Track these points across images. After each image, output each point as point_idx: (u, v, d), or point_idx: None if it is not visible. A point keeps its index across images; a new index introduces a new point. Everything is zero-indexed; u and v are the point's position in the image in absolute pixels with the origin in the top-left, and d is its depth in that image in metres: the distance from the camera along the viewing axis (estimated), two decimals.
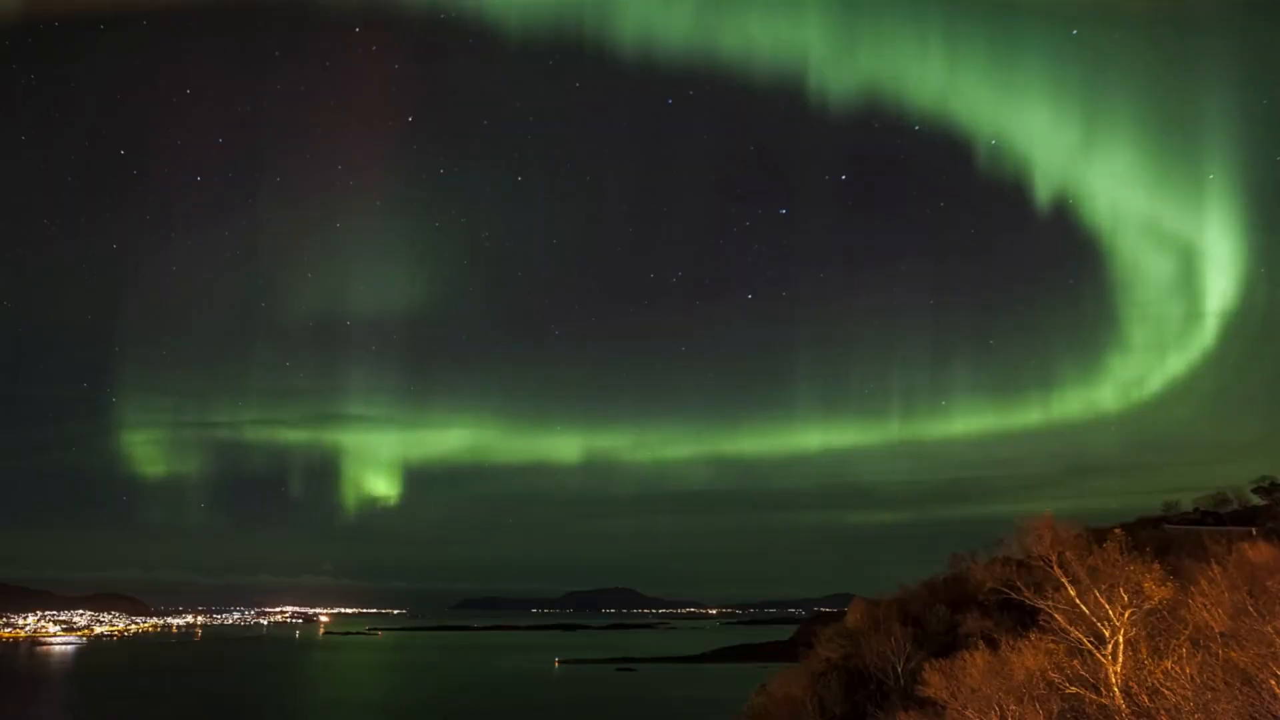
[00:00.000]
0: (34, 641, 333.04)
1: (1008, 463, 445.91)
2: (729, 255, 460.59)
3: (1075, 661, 26.24)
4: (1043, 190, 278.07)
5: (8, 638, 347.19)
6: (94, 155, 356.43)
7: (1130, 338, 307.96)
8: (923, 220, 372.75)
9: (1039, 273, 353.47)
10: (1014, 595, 29.73)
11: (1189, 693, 21.72)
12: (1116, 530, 29.65)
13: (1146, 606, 25.59)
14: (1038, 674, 26.31)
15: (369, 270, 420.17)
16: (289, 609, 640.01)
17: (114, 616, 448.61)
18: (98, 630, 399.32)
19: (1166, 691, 22.46)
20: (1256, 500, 77.34)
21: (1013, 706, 25.66)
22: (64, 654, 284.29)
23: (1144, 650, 24.75)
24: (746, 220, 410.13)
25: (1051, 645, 27.28)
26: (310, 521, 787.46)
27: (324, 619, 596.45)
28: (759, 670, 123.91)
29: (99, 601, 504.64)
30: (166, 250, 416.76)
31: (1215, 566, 26.85)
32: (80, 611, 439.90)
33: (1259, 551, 26.91)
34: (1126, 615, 25.62)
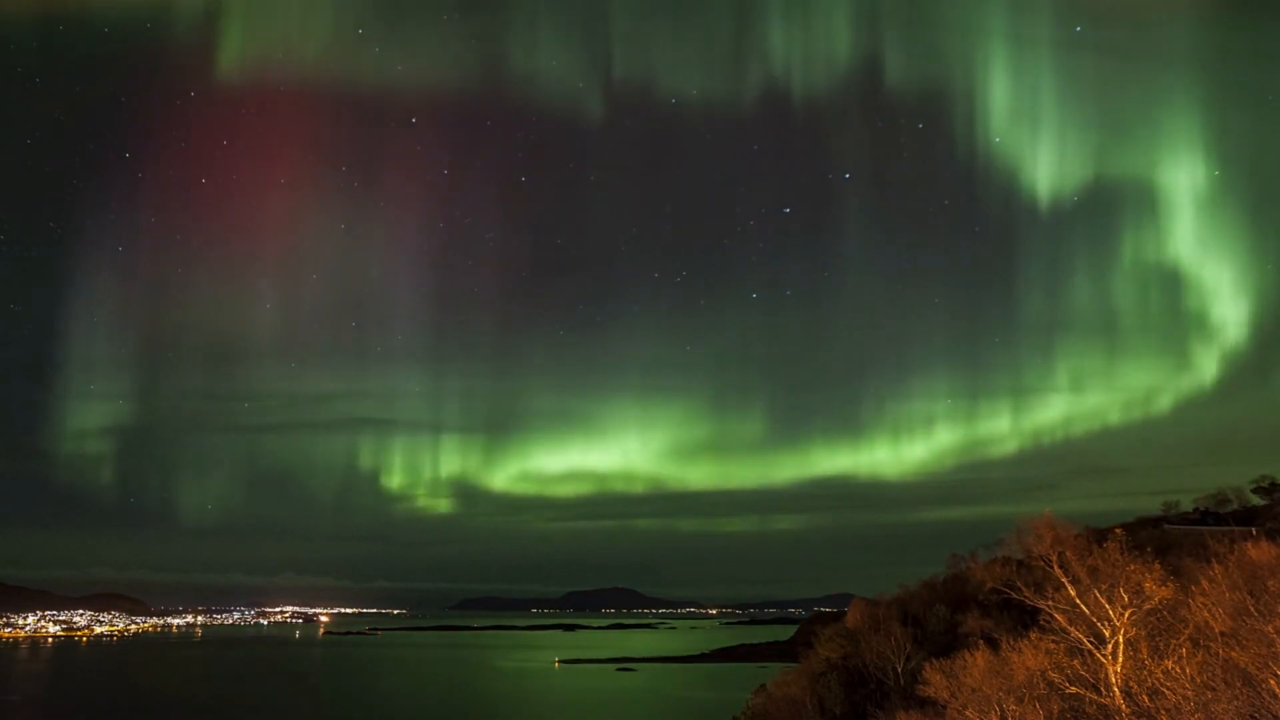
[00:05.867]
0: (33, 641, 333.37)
1: (1008, 463, 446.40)
2: (732, 255, 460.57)
3: (1075, 661, 26.20)
4: (1049, 190, 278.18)
5: (7, 637, 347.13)
6: (98, 158, 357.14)
7: (1132, 339, 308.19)
8: (927, 218, 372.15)
9: (1044, 272, 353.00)
10: (1014, 595, 29.69)
11: (1189, 693, 21.69)
12: (1117, 530, 29.63)
13: (1147, 606, 25.52)
14: (1038, 674, 26.27)
15: (373, 272, 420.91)
16: (289, 609, 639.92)
17: (114, 616, 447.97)
18: (98, 630, 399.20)
19: (1166, 691, 22.43)
20: (1256, 500, 77.24)
21: (1013, 706, 25.64)
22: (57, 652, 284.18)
23: (1144, 650, 24.72)
24: (750, 219, 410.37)
25: (1051, 645, 27.22)
26: (310, 522, 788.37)
27: (324, 619, 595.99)
28: (759, 670, 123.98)
29: (99, 601, 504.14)
30: (171, 253, 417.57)
31: (1215, 566, 26.79)
32: (80, 611, 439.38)
33: (1260, 551, 26.83)
34: (1127, 615, 25.59)
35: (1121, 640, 25.47)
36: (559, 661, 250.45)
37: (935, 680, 29.78)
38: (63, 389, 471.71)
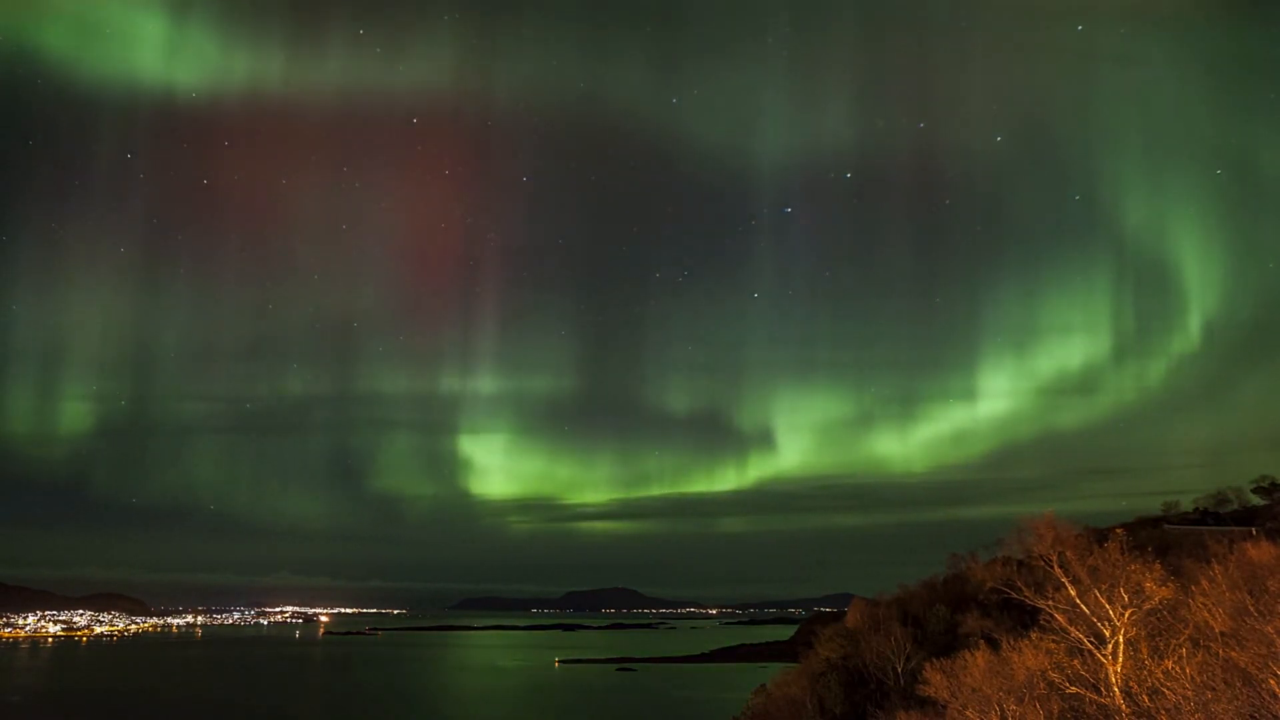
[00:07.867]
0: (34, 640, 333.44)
1: (1009, 463, 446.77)
2: (734, 254, 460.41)
3: (1075, 661, 26.20)
4: (1051, 190, 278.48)
5: (7, 637, 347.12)
6: (100, 159, 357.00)
7: (1133, 339, 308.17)
8: (929, 218, 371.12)
9: (1046, 272, 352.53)
10: (1014, 595, 29.69)
11: (1189, 693, 21.69)
12: (1117, 530, 29.64)
13: (1147, 606, 25.53)
14: (1038, 674, 26.27)
15: (373, 272, 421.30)
16: (289, 609, 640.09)
17: (114, 616, 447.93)
18: (98, 630, 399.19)
19: (1166, 691, 22.43)
20: (1256, 500, 77.17)
21: (1013, 706, 25.64)
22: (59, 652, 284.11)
23: (1144, 650, 24.72)
24: (751, 219, 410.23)
25: (1052, 645, 27.23)
26: (311, 522, 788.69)
27: (324, 619, 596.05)
28: (759, 670, 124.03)
29: (99, 601, 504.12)
30: (174, 253, 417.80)
31: (1215, 566, 26.80)
32: (80, 611, 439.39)
33: (1259, 551, 26.84)
34: (1127, 615, 25.59)
35: (1121, 640, 25.47)
36: (559, 661, 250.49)
37: (935, 680, 29.79)
38: (63, 389, 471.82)
